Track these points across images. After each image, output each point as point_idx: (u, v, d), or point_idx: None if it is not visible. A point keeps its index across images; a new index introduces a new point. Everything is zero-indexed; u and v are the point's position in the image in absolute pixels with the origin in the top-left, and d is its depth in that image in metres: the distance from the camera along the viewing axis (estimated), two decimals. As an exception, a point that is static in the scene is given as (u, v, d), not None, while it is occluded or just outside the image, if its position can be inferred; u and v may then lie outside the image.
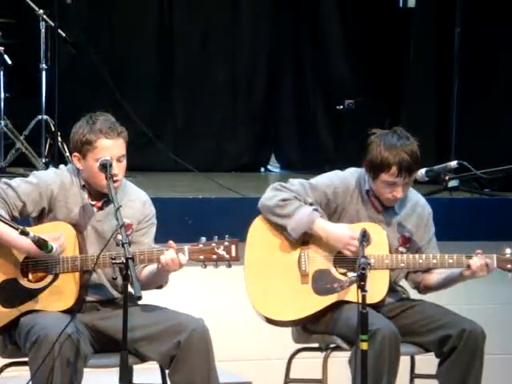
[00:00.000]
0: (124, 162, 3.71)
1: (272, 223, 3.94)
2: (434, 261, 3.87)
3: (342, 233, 3.86)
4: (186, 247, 3.63)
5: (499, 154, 6.08)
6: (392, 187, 3.86)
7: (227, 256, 3.63)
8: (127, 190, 3.80)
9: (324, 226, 3.88)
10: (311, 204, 3.91)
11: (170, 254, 3.59)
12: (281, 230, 3.93)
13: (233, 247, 3.63)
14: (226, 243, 3.63)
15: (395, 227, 3.96)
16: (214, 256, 3.63)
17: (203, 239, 3.65)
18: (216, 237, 3.65)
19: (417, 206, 4.02)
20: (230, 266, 3.65)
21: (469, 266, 3.81)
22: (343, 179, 3.97)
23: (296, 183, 3.95)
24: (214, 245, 3.63)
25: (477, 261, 3.81)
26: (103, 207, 3.75)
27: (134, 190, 3.84)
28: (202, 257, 3.63)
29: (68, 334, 3.49)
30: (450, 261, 3.85)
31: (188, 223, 4.82)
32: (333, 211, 3.95)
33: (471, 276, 3.84)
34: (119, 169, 3.68)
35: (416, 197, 4.06)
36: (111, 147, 3.66)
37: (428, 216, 4.03)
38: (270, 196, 3.94)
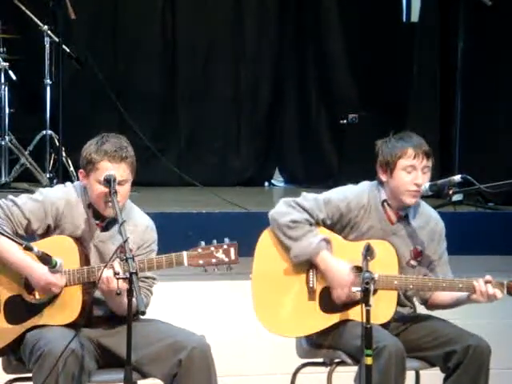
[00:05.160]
0: (126, 187, 3.68)
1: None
2: (444, 284, 3.84)
3: (342, 275, 3.82)
4: (185, 252, 3.62)
5: (503, 168, 6.08)
6: (412, 175, 3.85)
7: (226, 259, 3.62)
8: (132, 214, 3.79)
9: (327, 261, 3.85)
10: (323, 220, 3.91)
11: (105, 272, 3.56)
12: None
13: (232, 250, 3.62)
14: (225, 246, 3.63)
15: (408, 239, 3.95)
16: (214, 260, 3.62)
17: (202, 243, 3.64)
18: (215, 240, 3.65)
19: (430, 220, 4.01)
20: (230, 268, 3.64)
21: (473, 288, 3.80)
22: (356, 193, 3.95)
23: (310, 198, 3.92)
24: (212, 249, 3.63)
25: (482, 286, 3.79)
26: (107, 228, 3.74)
27: (139, 215, 3.83)
28: (201, 261, 3.62)
29: (72, 349, 3.50)
30: (460, 285, 3.83)
31: (192, 238, 4.82)
32: (345, 225, 3.93)
33: (476, 301, 3.82)
34: (119, 192, 3.63)
35: (429, 211, 4.05)
36: (112, 170, 3.64)
37: (441, 231, 4.02)
38: (282, 212, 3.91)
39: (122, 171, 3.67)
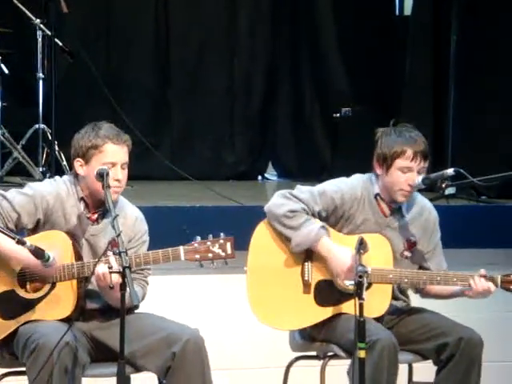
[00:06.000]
0: (126, 171, 3.72)
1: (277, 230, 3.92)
2: (438, 278, 3.86)
3: (344, 260, 3.82)
4: (182, 247, 3.62)
5: (496, 161, 6.09)
6: (407, 175, 3.86)
7: (223, 254, 3.63)
8: (120, 206, 3.77)
9: (328, 247, 3.85)
10: (319, 213, 3.90)
11: (101, 268, 3.55)
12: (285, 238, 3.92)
13: (228, 244, 3.63)
14: (221, 241, 3.63)
15: (401, 231, 3.96)
16: (210, 254, 3.63)
17: (198, 238, 3.64)
18: (211, 235, 3.65)
19: (424, 210, 4.02)
20: (226, 263, 3.65)
21: (470, 286, 3.81)
22: (350, 186, 3.96)
23: (305, 190, 3.93)
24: (208, 243, 3.63)
25: (478, 283, 3.80)
26: (98, 221, 3.74)
27: (127, 207, 3.82)
28: (197, 256, 3.63)
29: (66, 342, 3.49)
30: (455, 279, 3.84)
31: (185, 232, 4.81)
32: (339, 217, 3.93)
33: (471, 296, 3.83)
34: (123, 175, 3.68)
35: (423, 201, 4.06)
36: (117, 152, 3.67)
37: (434, 221, 4.03)
38: (278, 203, 3.91)
39: (123, 153, 3.69)
